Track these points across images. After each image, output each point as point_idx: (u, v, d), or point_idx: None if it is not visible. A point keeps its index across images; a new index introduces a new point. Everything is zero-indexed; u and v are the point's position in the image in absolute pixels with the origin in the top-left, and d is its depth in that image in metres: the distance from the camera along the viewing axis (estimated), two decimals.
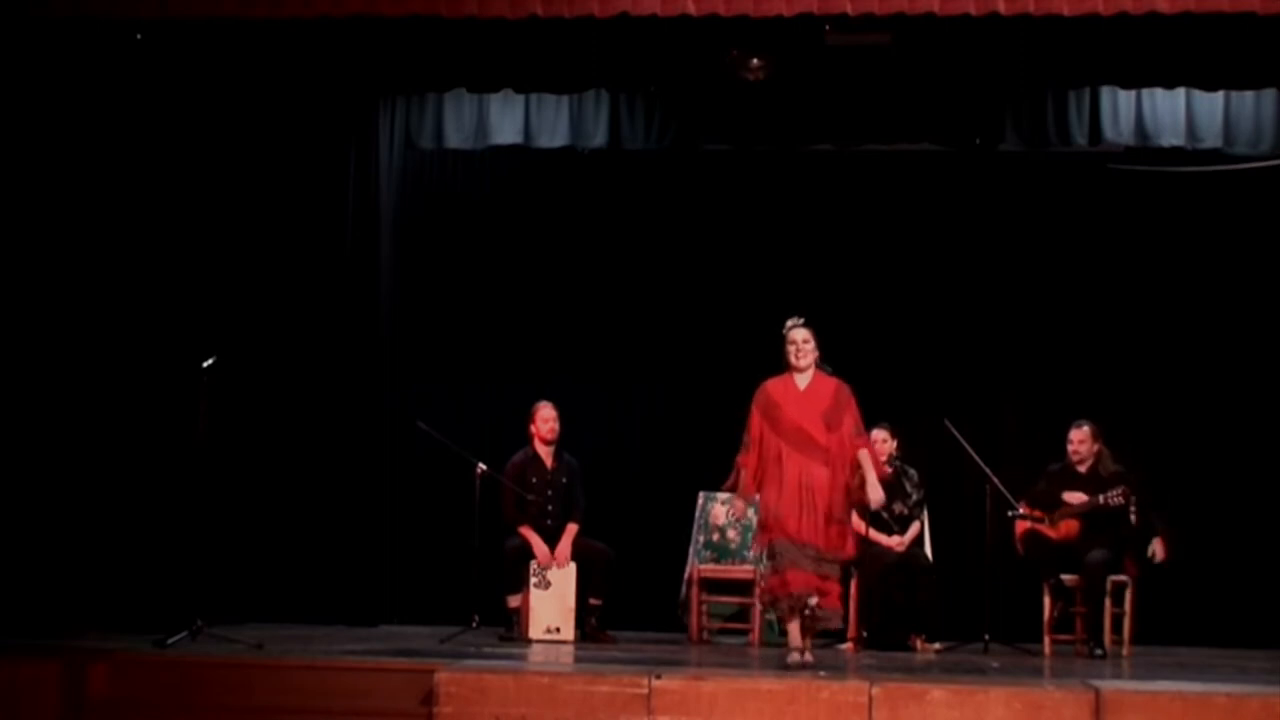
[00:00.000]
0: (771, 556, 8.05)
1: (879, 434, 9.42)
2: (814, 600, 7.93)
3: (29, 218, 9.86)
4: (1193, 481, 10.23)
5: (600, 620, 9.41)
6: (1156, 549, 9.21)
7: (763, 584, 8.47)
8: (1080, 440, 9.35)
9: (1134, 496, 9.14)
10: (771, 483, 8.05)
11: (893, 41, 9.30)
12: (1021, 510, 9.32)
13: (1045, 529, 9.32)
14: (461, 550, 9.46)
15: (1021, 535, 9.42)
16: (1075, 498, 9.23)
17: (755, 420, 8.18)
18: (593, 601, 9.39)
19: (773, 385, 8.23)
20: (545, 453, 9.63)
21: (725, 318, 10.72)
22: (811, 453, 8.02)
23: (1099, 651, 8.94)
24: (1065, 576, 9.22)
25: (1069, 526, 9.24)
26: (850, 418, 8.12)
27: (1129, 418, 10.08)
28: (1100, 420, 9.44)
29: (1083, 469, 9.35)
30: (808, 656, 7.98)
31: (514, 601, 9.33)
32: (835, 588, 8.06)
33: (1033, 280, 10.61)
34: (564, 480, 9.61)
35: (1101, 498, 9.13)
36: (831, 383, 8.20)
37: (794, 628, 8.04)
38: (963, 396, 10.31)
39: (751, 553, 9.41)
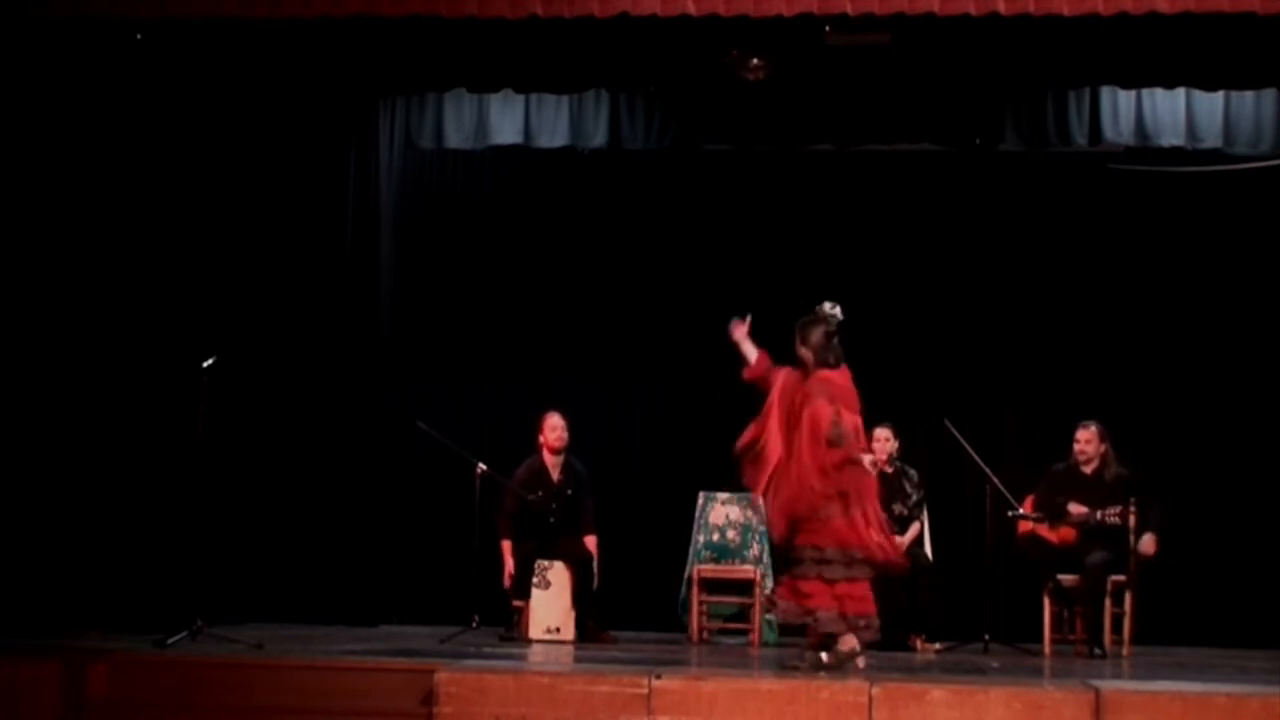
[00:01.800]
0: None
1: (882, 433, 9.45)
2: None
3: (29, 218, 9.86)
4: (1192, 481, 10.21)
5: (601, 620, 9.40)
6: (1147, 544, 9.16)
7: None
8: (1087, 440, 9.31)
9: (1135, 506, 9.12)
10: None
11: (893, 41, 9.30)
12: (1022, 510, 9.32)
13: (1044, 531, 9.32)
14: (461, 550, 9.46)
15: (1021, 536, 9.41)
16: (1077, 511, 9.20)
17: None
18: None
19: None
20: (553, 463, 9.62)
21: (725, 318, 10.67)
22: None
23: (1099, 652, 8.94)
24: (1064, 577, 9.22)
25: (1067, 532, 9.24)
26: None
27: (1128, 417, 10.05)
28: (1100, 420, 9.43)
29: (1088, 470, 9.32)
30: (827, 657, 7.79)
31: (521, 603, 9.34)
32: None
33: (1033, 280, 10.61)
34: (569, 492, 9.62)
35: (1100, 514, 9.11)
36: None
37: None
38: (963, 396, 10.31)
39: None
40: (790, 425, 7.87)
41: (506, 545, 9.45)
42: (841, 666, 7.67)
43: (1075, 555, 9.16)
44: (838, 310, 7.97)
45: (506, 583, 9.39)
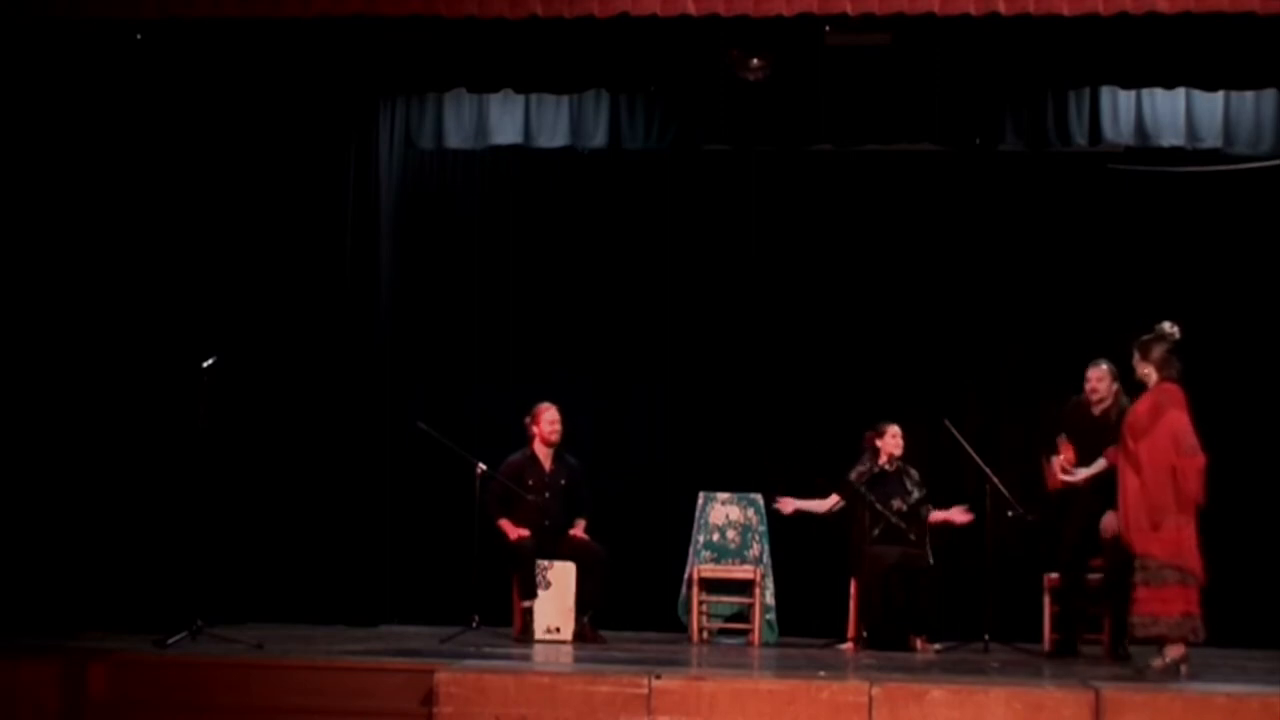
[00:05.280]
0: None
1: (893, 429, 9.50)
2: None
3: (29, 218, 9.86)
4: None
5: (601, 620, 9.39)
6: (1108, 521, 8.78)
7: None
8: (1098, 378, 9.10)
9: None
10: None
11: (893, 41, 9.31)
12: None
13: (1061, 474, 9.12)
14: (461, 550, 9.46)
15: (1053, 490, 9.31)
16: (1053, 475, 9.13)
17: None
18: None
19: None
20: (545, 454, 9.61)
21: (725, 317, 10.72)
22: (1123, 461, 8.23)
23: (1120, 652, 8.71)
24: (1093, 576, 9.06)
25: (1068, 456, 9.14)
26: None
27: None
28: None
29: (1097, 411, 9.11)
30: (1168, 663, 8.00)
31: (528, 603, 9.33)
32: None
33: (1033, 280, 10.60)
34: (562, 482, 9.60)
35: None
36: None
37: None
38: (963, 396, 10.31)
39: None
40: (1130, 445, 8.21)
41: (503, 522, 9.41)
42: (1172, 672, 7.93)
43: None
44: (1176, 329, 8.30)
45: (513, 537, 9.31)
